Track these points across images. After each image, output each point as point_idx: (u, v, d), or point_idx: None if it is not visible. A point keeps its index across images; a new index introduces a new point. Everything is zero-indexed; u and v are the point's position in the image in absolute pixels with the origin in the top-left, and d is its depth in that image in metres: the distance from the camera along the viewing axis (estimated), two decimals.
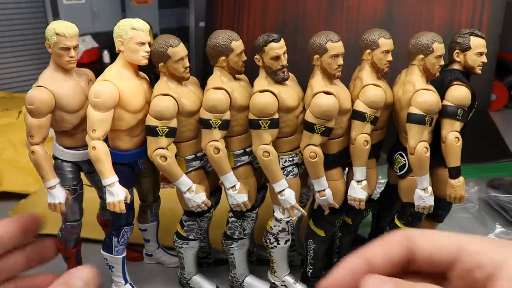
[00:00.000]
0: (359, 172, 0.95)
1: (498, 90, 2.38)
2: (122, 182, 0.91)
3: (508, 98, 2.43)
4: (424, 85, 0.89)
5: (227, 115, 0.90)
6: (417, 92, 0.88)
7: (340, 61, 0.89)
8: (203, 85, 0.96)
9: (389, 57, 0.91)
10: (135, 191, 1.05)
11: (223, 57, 0.89)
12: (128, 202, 0.93)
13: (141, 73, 0.96)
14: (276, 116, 0.88)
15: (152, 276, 1.20)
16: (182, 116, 0.91)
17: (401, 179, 0.99)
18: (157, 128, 0.88)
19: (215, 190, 1.08)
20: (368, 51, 0.92)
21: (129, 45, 0.88)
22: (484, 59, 0.93)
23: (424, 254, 0.28)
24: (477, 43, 0.92)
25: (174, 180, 0.93)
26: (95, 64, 2.81)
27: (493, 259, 0.25)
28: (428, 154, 0.90)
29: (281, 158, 0.94)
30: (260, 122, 0.88)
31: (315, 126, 0.89)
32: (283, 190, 0.92)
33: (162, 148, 0.89)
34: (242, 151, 0.96)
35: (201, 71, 2.80)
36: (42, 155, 0.89)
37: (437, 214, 1.04)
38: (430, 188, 0.93)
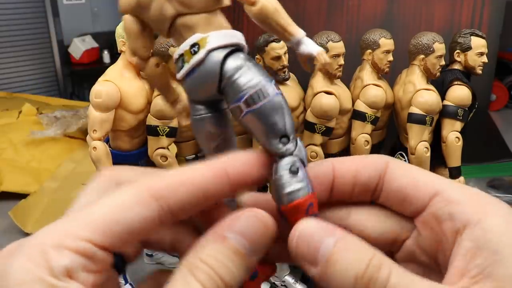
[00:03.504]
0: None
1: (498, 90, 2.38)
2: None
3: (508, 98, 2.43)
4: (424, 85, 0.89)
5: None
6: (418, 92, 0.88)
7: (341, 61, 0.89)
8: None
9: (390, 57, 0.91)
10: None
11: None
12: None
13: (142, 73, 0.96)
14: None
15: None
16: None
17: None
18: (157, 128, 0.88)
19: None
20: (369, 51, 0.92)
21: None
22: (484, 59, 0.93)
23: (393, 190, 0.24)
24: (478, 43, 0.92)
25: None
26: (95, 64, 2.80)
27: (467, 215, 0.21)
28: (428, 154, 0.90)
29: None
30: None
31: (315, 126, 0.89)
32: None
33: (163, 148, 0.89)
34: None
35: None
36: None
37: None
38: None
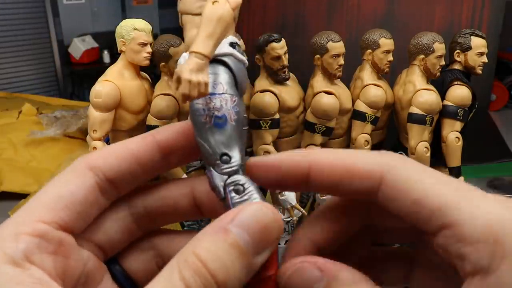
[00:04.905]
0: None
1: (498, 90, 2.38)
2: None
3: (508, 98, 2.43)
4: (424, 85, 0.89)
5: None
6: (418, 92, 0.88)
7: (341, 61, 0.89)
8: None
9: (390, 57, 0.91)
10: None
11: None
12: None
13: (142, 73, 0.96)
14: (277, 116, 0.89)
15: None
16: (183, 116, 0.91)
17: None
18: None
19: None
20: (369, 51, 0.92)
21: (130, 46, 0.88)
22: (484, 59, 0.93)
23: (391, 209, 0.21)
24: (478, 43, 0.92)
25: None
26: (95, 64, 2.80)
27: (479, 260, 0.18)
28: (428, 154, 0.90)
29: None
30: (261, 122, 0.88)
31: (316, 126, 0.89)
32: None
33: None
34: None
35: None
36: None
37: None
38: None
